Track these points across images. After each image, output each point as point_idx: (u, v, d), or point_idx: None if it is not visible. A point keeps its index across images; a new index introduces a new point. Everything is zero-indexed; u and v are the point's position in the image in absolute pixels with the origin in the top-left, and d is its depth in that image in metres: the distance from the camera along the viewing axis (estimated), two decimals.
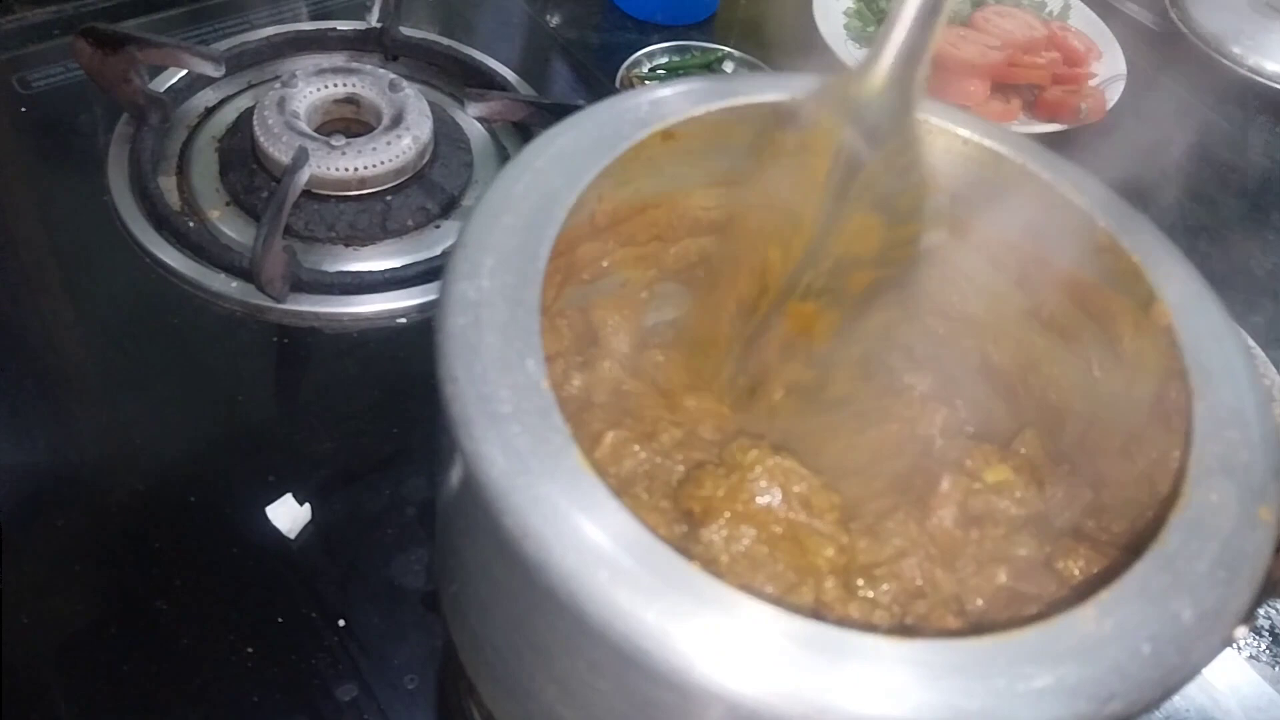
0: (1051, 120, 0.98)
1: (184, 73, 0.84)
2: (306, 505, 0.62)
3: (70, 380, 0.68)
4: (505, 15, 1.03)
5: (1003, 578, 0.42)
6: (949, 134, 0.46)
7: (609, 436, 0.43)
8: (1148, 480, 0.41)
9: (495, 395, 0.33)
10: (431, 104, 0.83)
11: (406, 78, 0.84)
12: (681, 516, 0.41)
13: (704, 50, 1.01)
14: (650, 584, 0.31)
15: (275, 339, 0.71)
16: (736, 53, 1.00)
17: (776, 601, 0.40)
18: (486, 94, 0.82)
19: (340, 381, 0.71)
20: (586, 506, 0.32)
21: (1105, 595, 0.32)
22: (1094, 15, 1.11)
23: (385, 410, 0.68)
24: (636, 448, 0.43)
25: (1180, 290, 0.41)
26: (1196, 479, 0.36)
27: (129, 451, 0.64)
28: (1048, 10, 1.11)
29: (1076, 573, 0.41)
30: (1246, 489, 0.36)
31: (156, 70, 0.84)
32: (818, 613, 0.40)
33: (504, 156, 0.87)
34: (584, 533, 0.31)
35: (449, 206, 0.80)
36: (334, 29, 0.91)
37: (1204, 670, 0.60)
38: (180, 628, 0.56)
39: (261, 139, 0.76)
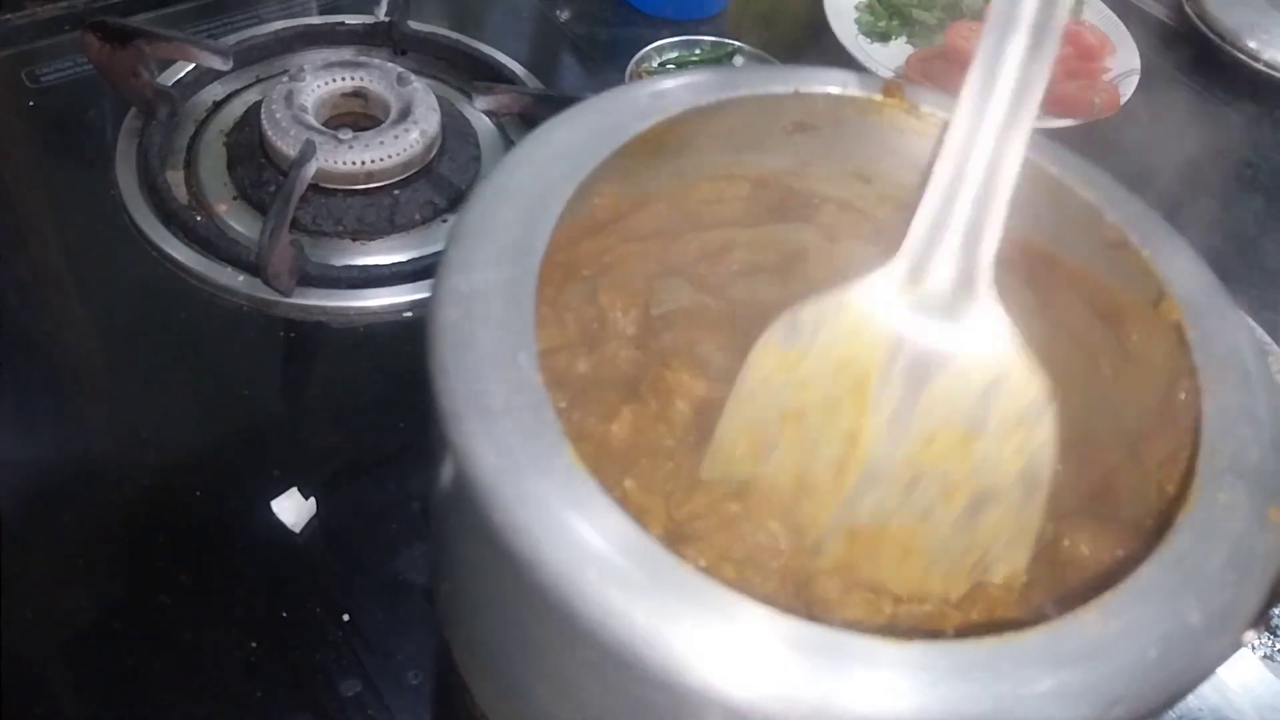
0: (1064, 115, 0.97)
1: (192, 67, 0.84)
2: (312, 500, 0.61)
3: (76, 374, 0.68)
4: (515, 9, 1.03)
5: None
6: None
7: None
8: (1156, 481, 0.40)
9: (486, 390, 0.33)
10: (440, 98, 0.82)
11: (415, 72, 0.84)
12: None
13: (714, 45, 1.00)
14: (641, 583, 0.30)
15: (282, 333, 0.71)
16: (747, 48, 0.99)
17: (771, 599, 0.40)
18: (494, 87, 0.82)
19: (346, 376, 0.71)
20: (577, 504, 0.32)
21: (1111, 597, 0.32)
22: (1108, 10, 1.10)
23: (391, 405, 0.67)
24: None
25: (1191, 286, 0.40)
26: (1206, 479, 0.35)
27: (134, 445, 0.64)
28: None
29: (1085, 552, 0.41)
30: (1257, 489, 0.35)
31: (165, 64, 0.84)
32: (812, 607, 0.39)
33: None
34: (574, 530, 0.31)
35: (456, 200, 0.80)
36: (342, 23, 0.91)
37: (1218, 669, 0.60)
38: (184, 622, 0.56)
39: (269, 133, 0.76)
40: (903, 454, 0.40)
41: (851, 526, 0.41)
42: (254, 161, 0.78)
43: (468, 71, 0.91)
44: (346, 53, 0.90)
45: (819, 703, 0.29)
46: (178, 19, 0.92)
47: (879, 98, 0.45)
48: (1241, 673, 0.61)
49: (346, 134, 0.76)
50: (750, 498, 0.42)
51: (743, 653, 0.30)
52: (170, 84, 0.83)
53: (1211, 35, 1.11)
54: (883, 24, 1.05)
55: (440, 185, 0.79)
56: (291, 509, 0.61)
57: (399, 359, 0.70)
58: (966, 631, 0.38)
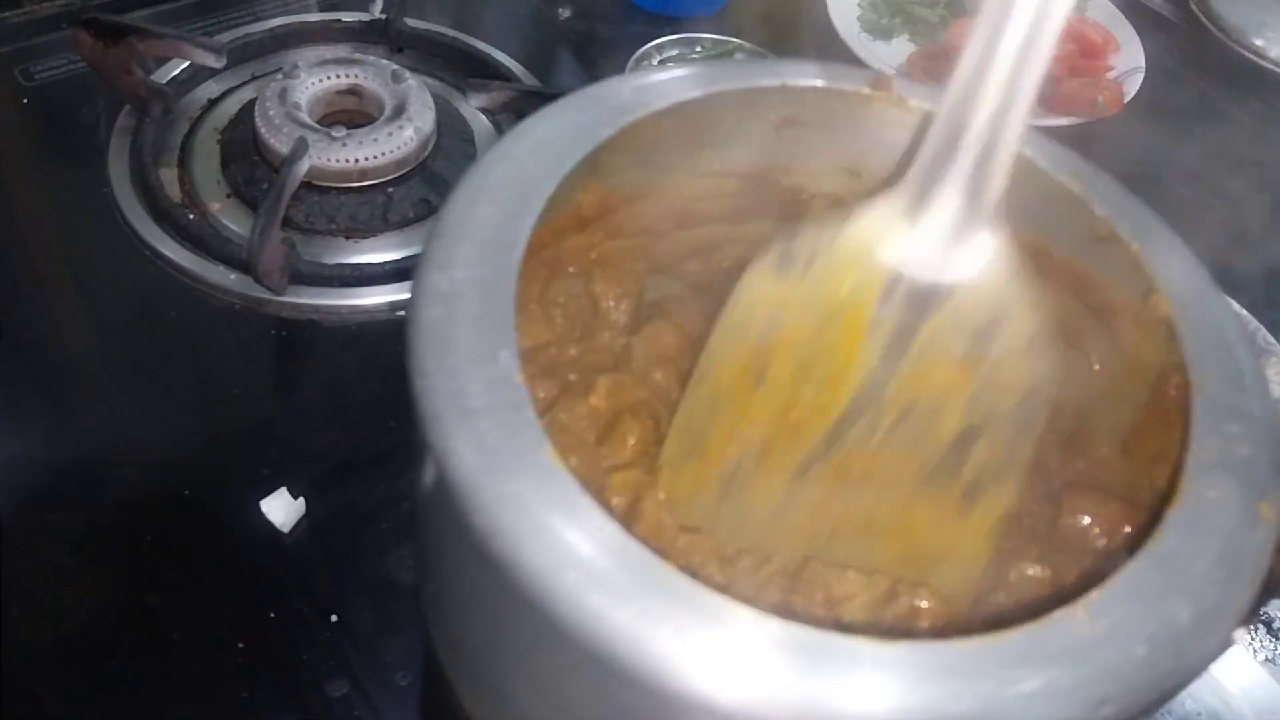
0: (1067, 113, 0.96)
1: (187, 64, 0.83)
2: (301, 499, 0.61)
3: (66, 372, 0.67)
4: (513, 7, 1.03)
5: None
6: None
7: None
8: (1149, 476, 0.40)
9: (466, 390, 0.32)
10: (435, 95, 0.82)
11: (411, 69, 0.83)
12: None
13: (715, 43, 0.99)
14: (623, 585, 0.30)
15: (274, 332, 0.71)
16: (748, 45, 0.98)
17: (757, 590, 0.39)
18: (489, 84, 0.82)
19: (338, 375, 0.70)
20: (558, 505, 0.31)
21: (1098, 595, 0.31)
22: (1113, 7, 1.09)
23: (382, 404, 0.67)
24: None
25: (1180, 281, 0.40)
26: (1195, 475, 0.35)
27: (124, 444, 0.63)
28: None
29: (1087, 520, 0.41)
30: (1247, 485, 0.35)
31: (161, 62, 0.83)
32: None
33: None
34: (555, 532, 0.30)
35: None
36: (339, 20, 0.91)
37: (1216, 672, 0.59)
38: (171, 622, 0.56)
39: (262, 130, 0.75)
40: (895, 385, 0.39)
41: (838, 456, 0.41)
42: (247, 159, 0.77)
43: (464, 69, 0.90)
44: (342, 50, 0.89)
45: (803, 705, 0.29)
46: (176, 15, 0.92)
47: (867, 91, 0.45)
48: (1240, 676, 0.60)
49: (340, 131, 0.76)
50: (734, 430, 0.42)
51: (726, 655, 0.29)
52: (165, 81, 0.82)
53: (1217, 32, 1.10)
54: (885, 21, 1.05)
55: (434, 183, 0.78)
56: (280, 509, 0.60)
57: (391, 358, 0.69)
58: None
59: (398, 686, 0.55)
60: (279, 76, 0.79)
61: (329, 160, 0.74)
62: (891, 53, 1.02)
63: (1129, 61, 1.03)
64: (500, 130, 0.87)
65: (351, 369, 0.70)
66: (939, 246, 0.37)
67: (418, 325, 0.34)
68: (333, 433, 0.66)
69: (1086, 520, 0.41)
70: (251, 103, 0.80)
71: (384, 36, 0.91)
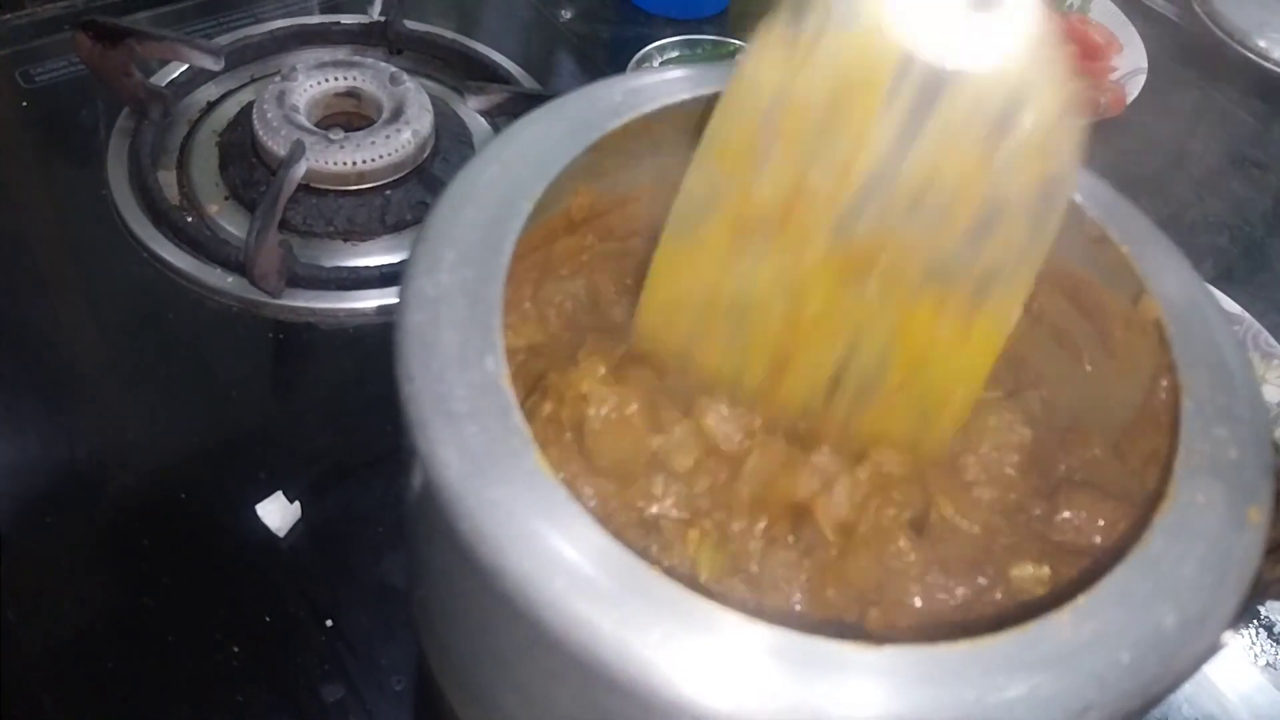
0: None
1: (186, 67, 0.83)
2: (297, 503, 0.61)
3: (63, 375, 0.67)
4: (513, 9, 1.03)
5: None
6: None
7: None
8: (1140, 478, 0.39)
9: (452, 394, 0.32)
10: (434, 98, 0.82)
11: (409, 72, 0.83)
12: None
13: (716, 44, 0.99)
14: (609, 591, 0.30)
15: (271, 335, 0.71)
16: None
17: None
18: (487, 87, 0.82)
19: (335, 378, 0.70)
20: (544, 510, 0.31)
21: (1083, 600, 0.31)
22: (1115, 8, 1.09)
23: (379, 407, 0.66)
24: None
25: (1171, 284, 0.39)
26: (1183, 478, 0.34)
27: (120, 448, 0.63)
28: (1068, 3, 1.09)
29: (1083, 518, 0.40)
30: (1235, 488, 0.34)
31: (161, 64, 0.83)
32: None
33: None
34: (541, 538, 0.30)
35: None
36: (338, 23, 0.91)
37: (1214, 678, 0.59)
38: (167, 625, 0.56)
39: (260, 133, 0.75)
40: (911, 164, 0.37)
41: (848, 242, 0.38)
42: (246, 162, 0.77)
43: (463, 71, 0.90)
44: (341, 52, 0.89)
45: (789, 710, 0.29)
46: (176, 17, 0.92)
47: None
48: (1239, 681, 0.60)
49: (338, 134, 0.76)
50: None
51: (712, 661, 0.29)
52: (164, 84, 0.82)
53: (1220, 34, 1.10)
54: None
55: (433, 186, 0.78)
56: (276, 513, 0.60)
57: (387, 362, 0.69)
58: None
59: (393, 691, 0.55)
60: (277, 79, 0.79)
61: (327, 163, 0.74)
62: None
63: (1131, 63, 1.03)
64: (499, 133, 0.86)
65: (348, 372, 0.70)
66: (960, 18, 0.35)
67: (404, 329, 0.34)
68: (329, 436, 0.66)
69: (1082, 518, 0.41)
70: (250, 105, 0.80)
71: (383, 39, 0.91)
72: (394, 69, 0.82)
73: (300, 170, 0.71)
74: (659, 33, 0.98)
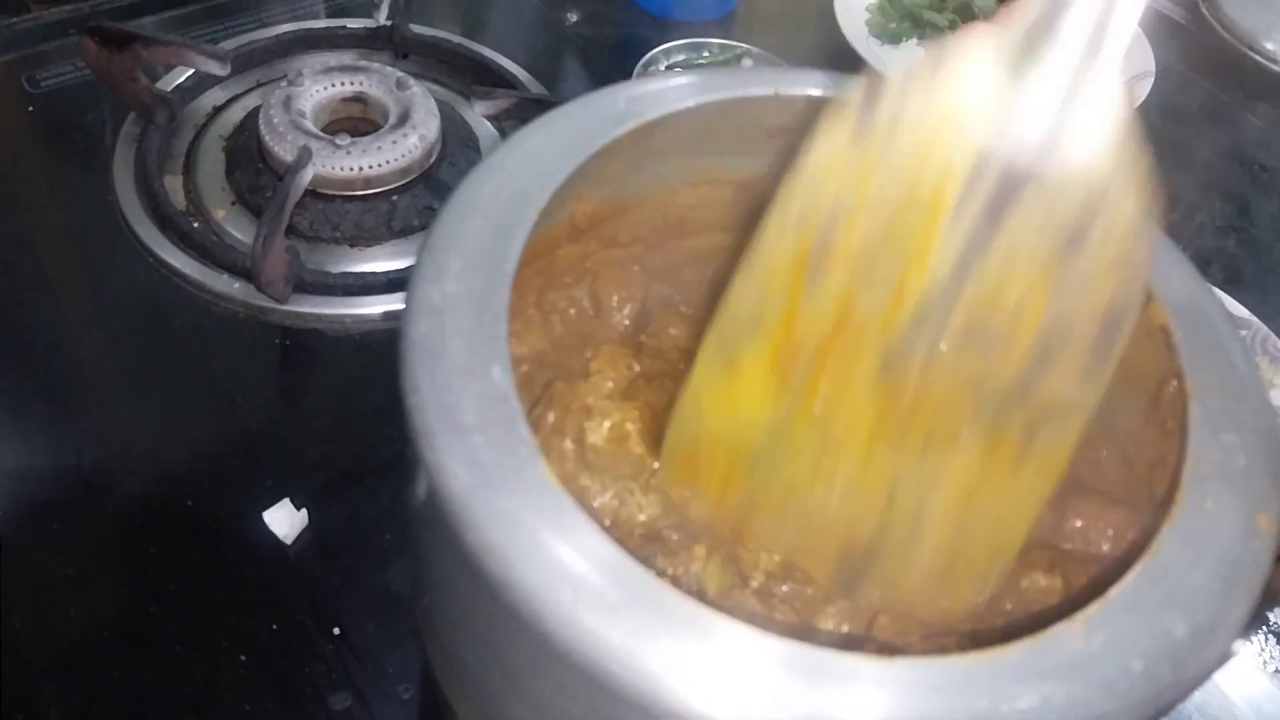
0: None
1: (192, 71, 0.83)
2: (304, 511, 0.61)
3: (70, 381, 0.67)
4: (519, 13, 1.02)
5: None
6: None
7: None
8: (1147, 484, 0.39)
9: (458, 405, 0.32)
10: (441, 102, 0.82)
11: (416, 76, 0.83)
12: None
13: (722, 47, 0.99)
14: (617, 602, 0.30)
15: (277, 341, 0.70)
16: (755, 50, 0.98)
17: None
18: (493, 92, 0.82)
19: (341, 384, 0.70)
20: (551, 521, 0.31)
21: (1094, 609, 0.31)
22: None
23: (386, 414, 0.66)
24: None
25: (1177, 290, 0.39)
26: (1191, 485, 0.34)
27: (127, 454, 0.63)
28: None
29: (1091, 526, 0.40)
30: (1244, 495, 0.34)
31: (168, 69, 0.83)
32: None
33: None
34: (548, 549, 0.30)
35: None
36: (344, 27, 0.91)
37: (1223, 685, 0.58)
38: (173, 633, 0.56)
39: (267, 138, 0.75)
40: (974, 282, 0.33)
41: (894, 380, 0.35)
42: (252, 167, 0.77)
43: (470, 76, 0.90)
44: (347, 57, 0.89)
45: None
46: (182, 22, 0.92)
47: None
48: (1248, 688, 0.60)
49: (344, 139, 0.75)
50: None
51: (720, 672, 0.29)
52: (170, 89, 0.82)
53: (1228, 37, 1.10)
54: (893, 26, 1.04)
55: (440, 191, 0.78)
56: (283, 520, 0.60)
57: (394, 367, 0.69)
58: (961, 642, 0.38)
59: (400, 699, 0.55)
60: (284, 84, 0.79)
61: (333, 168, 0.74)
62: (900, 57, 1.02)
63: (1139, 65, 1.02)
64: (505, 138, 0.86)
65: (355, 378, 0.70)
66: (1043, 115, 0.32)
67: (409, 339, 0.34)
68: (336, 443, 0.65)
69: (1090, 526, 0.41)
70: (256, 110, 0.80)
71: (389, 43, 0.91)
72: (400, 73, 0.81)
73: (307, 175, 0.71)
74: (665, 36, 0.98)
